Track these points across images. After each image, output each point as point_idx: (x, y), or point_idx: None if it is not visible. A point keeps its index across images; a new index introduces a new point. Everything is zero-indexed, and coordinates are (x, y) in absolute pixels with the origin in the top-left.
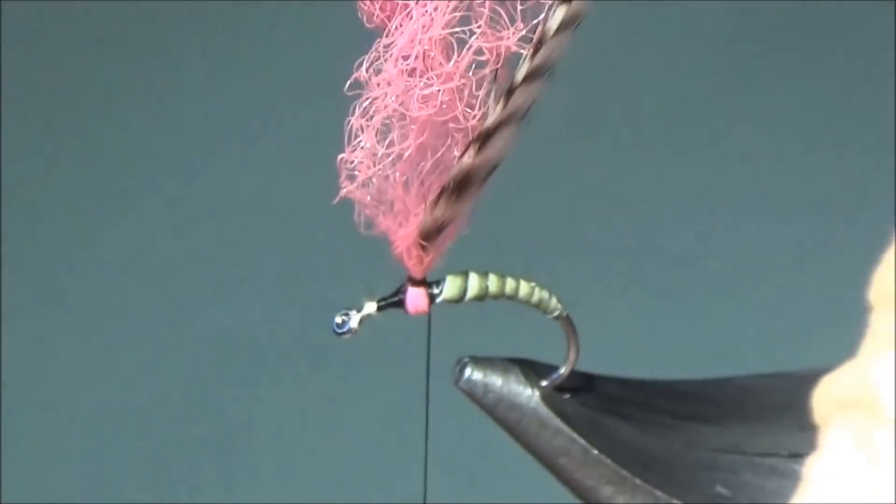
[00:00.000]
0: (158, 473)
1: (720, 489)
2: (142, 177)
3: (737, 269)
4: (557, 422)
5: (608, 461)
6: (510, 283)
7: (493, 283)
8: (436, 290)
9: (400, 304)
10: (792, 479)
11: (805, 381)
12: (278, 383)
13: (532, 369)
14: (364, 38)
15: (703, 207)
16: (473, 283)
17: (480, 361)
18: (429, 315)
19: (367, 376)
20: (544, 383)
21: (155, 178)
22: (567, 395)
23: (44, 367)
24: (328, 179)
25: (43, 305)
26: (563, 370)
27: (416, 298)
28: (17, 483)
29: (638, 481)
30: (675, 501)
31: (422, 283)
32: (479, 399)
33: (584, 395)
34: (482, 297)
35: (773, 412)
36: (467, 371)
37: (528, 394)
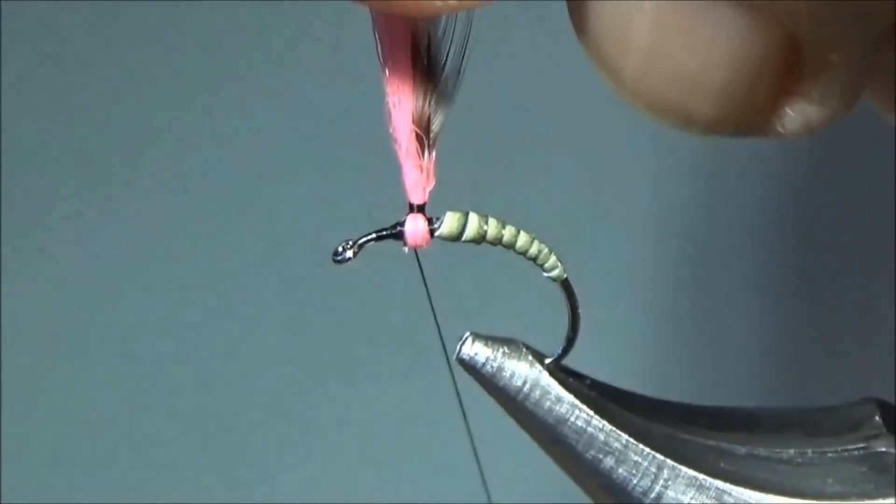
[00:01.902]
0: (159, 473)
1: (724, 465)
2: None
3: (734, 271)
4: (561, 389)
5: (611, 428)
6: (509, 230)
7: (492, 226)
8: (434, 225)
9: (399, 235)
10: (798, 470)
11: (813, 412)
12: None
13: (534, 349)
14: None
15: (704, 207)
16: (473, 223)
17: (482, 336)
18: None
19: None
20: (548, 359)
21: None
22: (571, 379)
23: (44, 366)
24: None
25: (43, 304)
26: (565, 343)
27: (415, 227)
28: (17, 483)
29: (642, 446)
30: (681, 467)
31: (421, 210)
32: (479, 370)
33: (588, 384)
34: (479, 239)
35: (779, 428)
36: (468, 343)
37: (531, 363)
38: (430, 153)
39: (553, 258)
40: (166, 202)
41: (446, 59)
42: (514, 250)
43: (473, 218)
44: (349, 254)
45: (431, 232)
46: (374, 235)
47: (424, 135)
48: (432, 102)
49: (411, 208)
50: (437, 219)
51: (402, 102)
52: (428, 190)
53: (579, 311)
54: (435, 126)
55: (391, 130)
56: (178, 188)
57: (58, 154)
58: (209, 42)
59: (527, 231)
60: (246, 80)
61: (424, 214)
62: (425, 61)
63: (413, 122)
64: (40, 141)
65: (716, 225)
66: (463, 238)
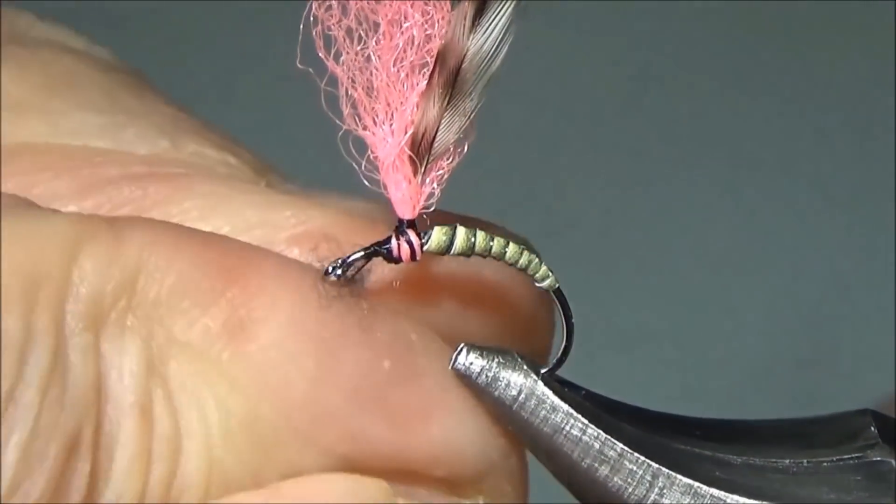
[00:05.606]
0: None
1: (720, 474)
2: None
3: (733, 268)
4: (556, 399)
5: (606, 437)
6: (498, 242)
7: (480, 238)
8: (423, 240)
9: (388, 252)
10: (793, 479)
11: (809, 423)
12: None
13: (530, 359)
14: None
15: (706, 208)
16: (460, 236)
17: (477, 346)
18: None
19: None
20: (544, 369)
21: None
22: (566, 389)
23: None
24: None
25: None
26: (560, 353)
27: (403, 244)
28: None
29: (637, 455)
30: (677, 475)
31: (412, 226)
32: (474, 380)
33: (583, 394)
34: (468, 252)
35: (775, 438)
36: (463, 354)
37: (526, 373)
38: (425, 170)
39: (544, 268)
40: None
41: (477, 80)
42: (505, 261)
43: (461, 231)
44: (339, 271)
45: (420, 247)
46: (362, 253)
47: (425, 151)
48: (443, 121)
49: (400, 224)
50: (425, 233)
51: (399, 115)
52: (419, 207)
53: (573, 320)
54: (439, 144)
55: (372, 146)
56: None
57: None
58: (210, 49)
59: (516, 242)
60: (247, 80)
61: (415, 230)
62: (451, 77)
63: (411, 137)
64: None
65: (714, 225)
66: (451, 252)
